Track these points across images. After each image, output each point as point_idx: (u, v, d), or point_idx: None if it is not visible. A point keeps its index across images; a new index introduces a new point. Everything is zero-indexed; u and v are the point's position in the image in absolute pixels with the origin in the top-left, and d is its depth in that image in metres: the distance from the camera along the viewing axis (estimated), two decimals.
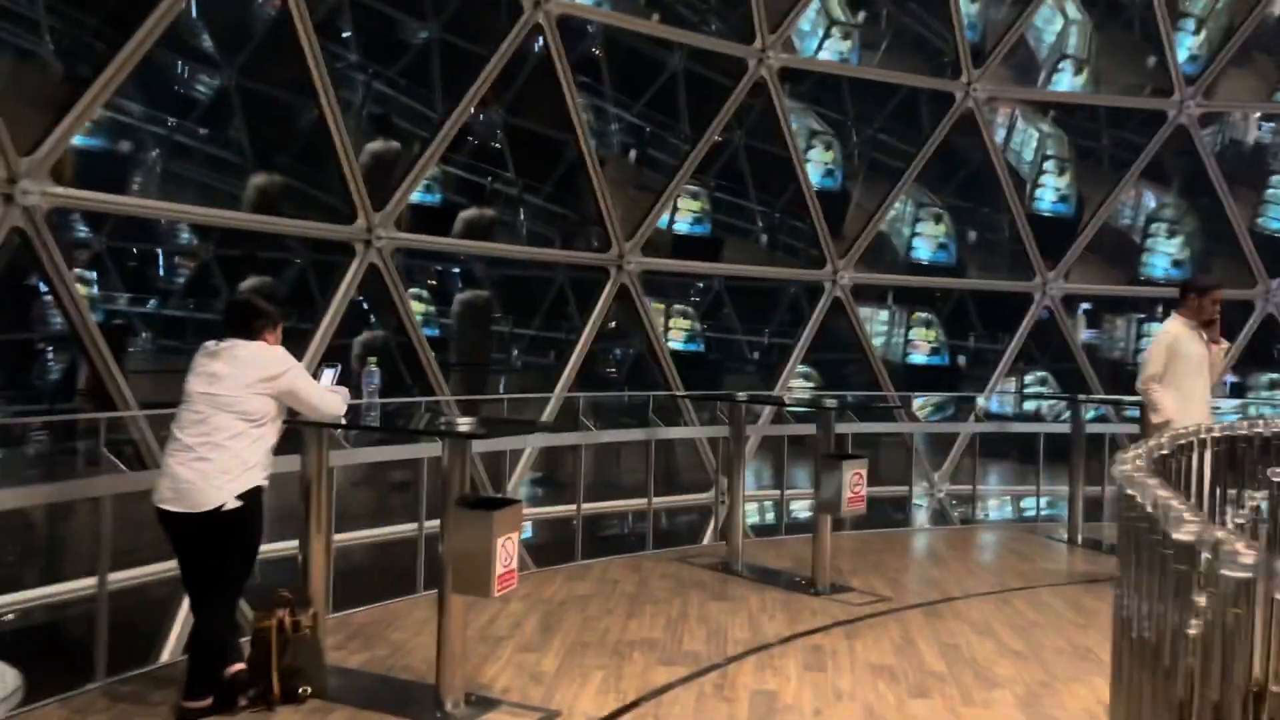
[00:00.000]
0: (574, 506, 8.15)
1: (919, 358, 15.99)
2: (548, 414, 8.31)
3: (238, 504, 4.53)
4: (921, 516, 9.99)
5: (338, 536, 7.19)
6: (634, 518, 9.17)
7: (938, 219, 15.82)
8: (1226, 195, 11.23)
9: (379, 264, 7.40)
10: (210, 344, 4.78)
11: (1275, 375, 14.57)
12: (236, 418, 4.58)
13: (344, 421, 5.07)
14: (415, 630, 6.10)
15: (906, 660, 5.78)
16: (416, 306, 15.42)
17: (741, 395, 7.96)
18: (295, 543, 5.16)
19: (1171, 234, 14.98)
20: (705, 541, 9.01)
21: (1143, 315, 16.45)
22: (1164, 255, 14.82)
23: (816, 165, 15.80)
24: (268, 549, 5.53)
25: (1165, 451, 4.40)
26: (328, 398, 4.85)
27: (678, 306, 16.80)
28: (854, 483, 7.10)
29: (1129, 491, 3.06)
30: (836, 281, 9.79)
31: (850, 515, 7.15)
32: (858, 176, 16.04)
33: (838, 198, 14.32)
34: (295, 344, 7.13)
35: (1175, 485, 4.30)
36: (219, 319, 5.08)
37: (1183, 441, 4.52)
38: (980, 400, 10.51)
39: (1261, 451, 5.48)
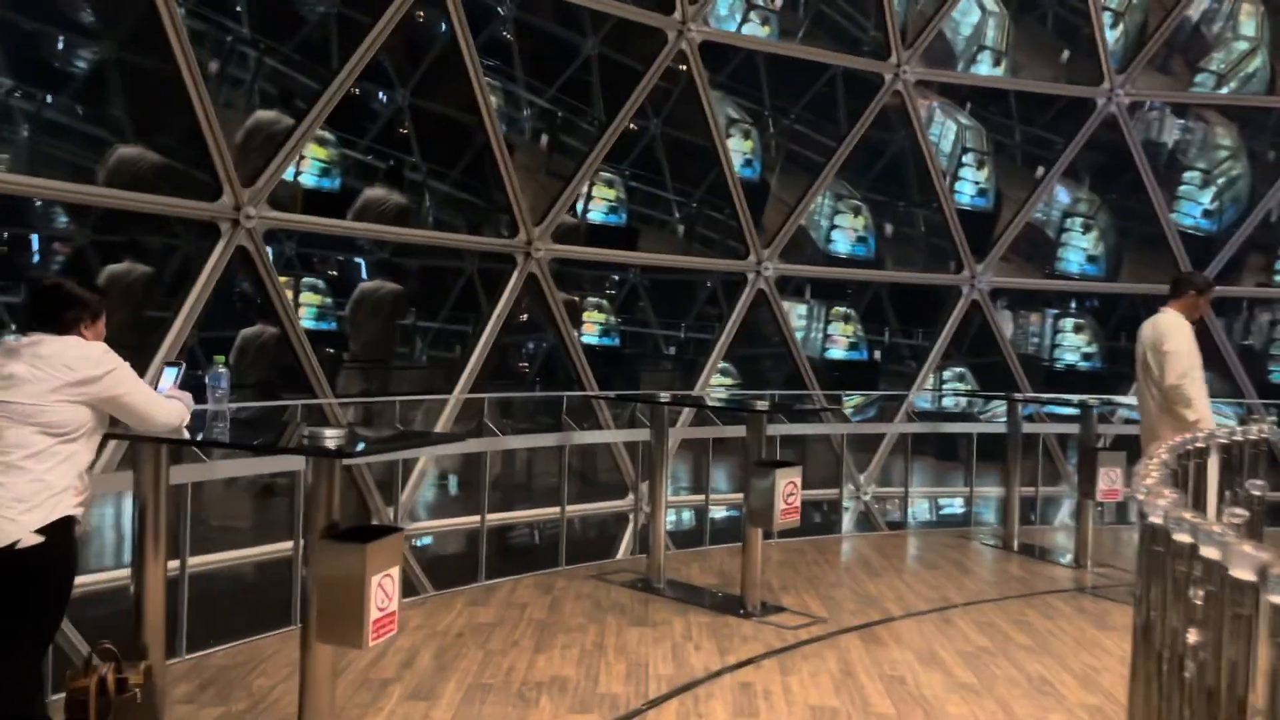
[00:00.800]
0: (480, 518, 7.21)
1: (838, 353, 15.38)
2: (446, 417, 7.34)
3: (37, 540, 3.49)
4: (848, 522, 9.25)
5: (204, 558, 6.16)
6: (547, 525, 8.26)
7: (856, 211, 15.23)
8: (1155, 188, 10.75)
9: (249, 247, 6.34)
10: (9, 339, 3.73)
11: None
12: (37, 431, 3.53)
13: (186, 435, 4.07)
14: (284, 674, 5.10)
15: (849, 699, 4.98)
16: (311, 298, 14.26)
17: (664, 396, 7.11)
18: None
19: (1086, 229, 14.61)
20: (622, 554, 8.13)
21: (1056, 311, 16.12)
22: (1079, 250, 14.44)
23: (735, 155, 15.06)
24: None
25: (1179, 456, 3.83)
26: (163, 406, 3.83)
27: (592, 299, 15.92)
28: (788, 493, 6.32)
29: (1164, 524, 2.72)
30: (761, 273, 9.02)
31: (784, 529, 6.36)
32: (775, 167, 15.38)
33: (756, 188, 13.60)
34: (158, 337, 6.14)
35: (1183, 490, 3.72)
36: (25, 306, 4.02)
37: (1199, 445, 3.94)
38: (912, 398, 9.83)
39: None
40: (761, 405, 6.46)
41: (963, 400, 14.80)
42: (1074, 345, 15.30)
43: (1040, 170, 16.58)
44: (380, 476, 7.27)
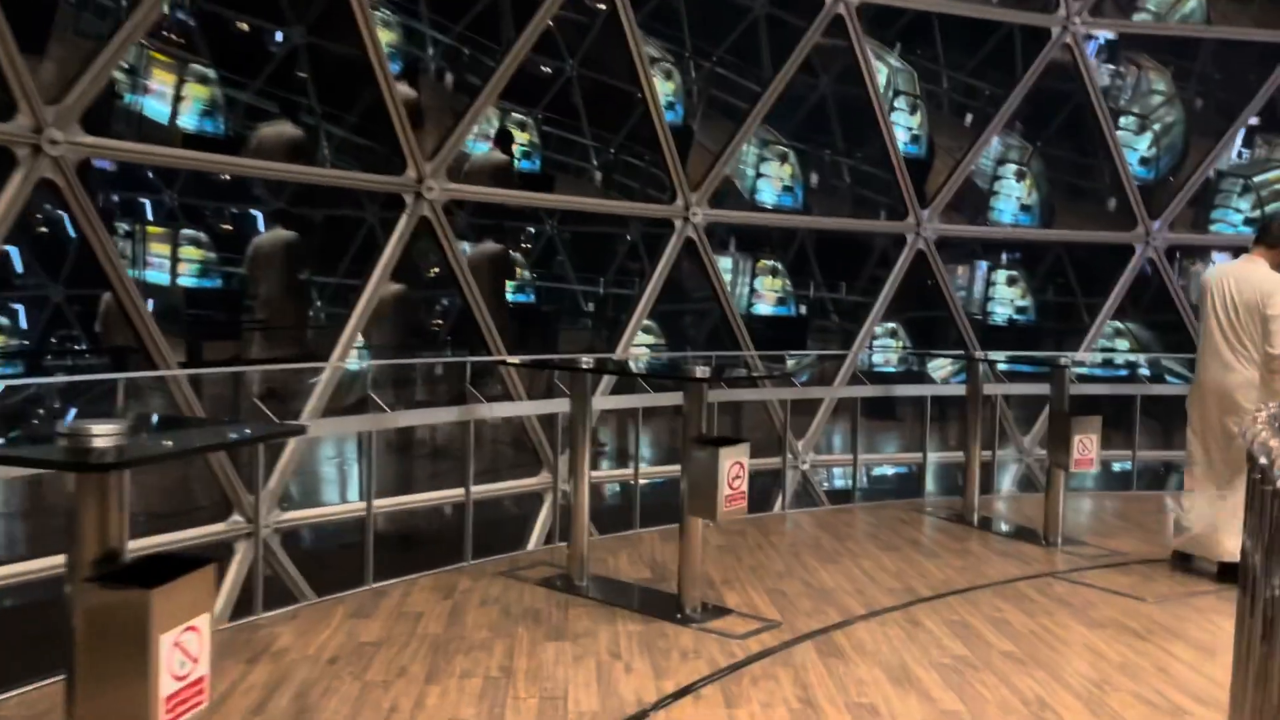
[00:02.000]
0: (365, 506, 5.92)
1: (765, 308, 14.33)
2: (321, 390, 6.00)
3: None
4: (789, 495, 8.17)
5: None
6: (450, 511, 7.00)
7: (783, 159, 14.10)
8: (1110, 129, 9.79)
9: (61, 182, 4.89)
10: None
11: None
12: None
13: None
14: None
15: None
16: (192, 252, 12.63)
17: (586, 361, 5.89)
18: None
19: (1020, 177, 13.71)
20: (536, 543, 6.92)
21: (989, 263, 15.28)
22: (1012, 200, 13.54)
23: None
24: None
25: None
26: None
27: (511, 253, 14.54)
28: (734, 475, 5.18)
29: None
30: (689, 219, 7.83)
31: (729, 518, 5.23)
32: (696, 113, 14.18)
33: (679, 134, 12.40)
34: None
35: None
36: None
37: None
38: (855, 358, 8.76)
39: None
40: (701, 371, 5.29)
41: (895, 358, 13.88)
42: (1008, 299, 14.47)
43: (969, 117, 15.68)
44: (247, 456, 5.93)
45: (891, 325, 13.68)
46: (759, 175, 13.76)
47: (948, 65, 16.37)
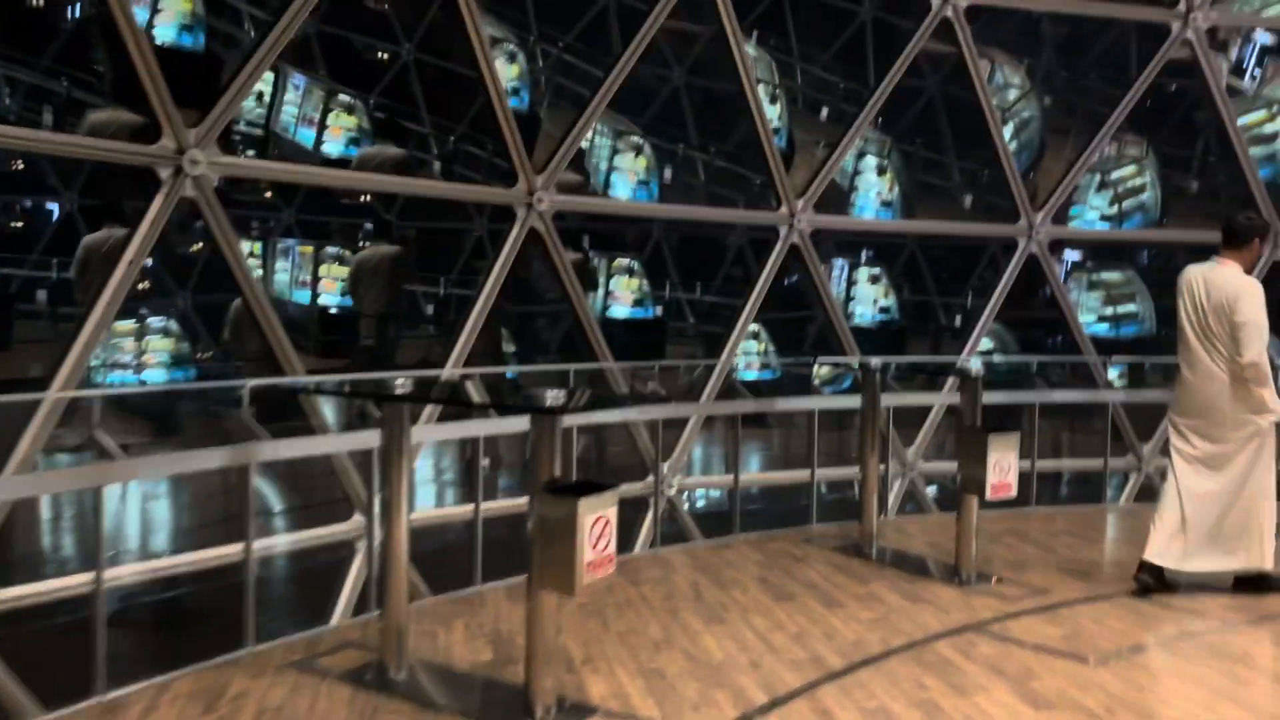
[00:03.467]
0: (96, 578, 4.24)
1: (621, 310, 13.00)
2: (37, 424, 4.29)
3: None
4: (650, 529, 6.81)
5: None
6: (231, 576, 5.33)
7: (637, 151, 12.80)
8: (995, 120, 8.85)
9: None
10: None
11: None
12: None
13: None
14: None
15: None
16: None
17: (402, 382, 4.38)
18: None
19: (880, 172, 12.83)
20: (345, 615, 5.33)
21: (848, 260, 14.42)
22: (871, 195, 12.65)
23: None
24: None
25: None
26: None
27: (331, 249, 12.76)
28: (599, 534, 3.79)
29: None
30: (534, 206, 6.39)
31: (591, 587, 3.85)
32: (544, 101, 12.77)
33: (525, 121, 10.97)
34: None
35: None
36: None
37: None
38: (724, 367, 7.49)
39: None
40: (553, 397, 3.87)
41: (756, 363, 12.81)
42: (871, 298, 13.58)
43: (824, 111, 14.75)
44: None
45: (753, 327, 12.57)
46: (611, 169, 12.45)
47: (802, 58, 15.47)
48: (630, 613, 5.18)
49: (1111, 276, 12.49)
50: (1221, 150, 10.68)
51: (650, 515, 6.50)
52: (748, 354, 12.41)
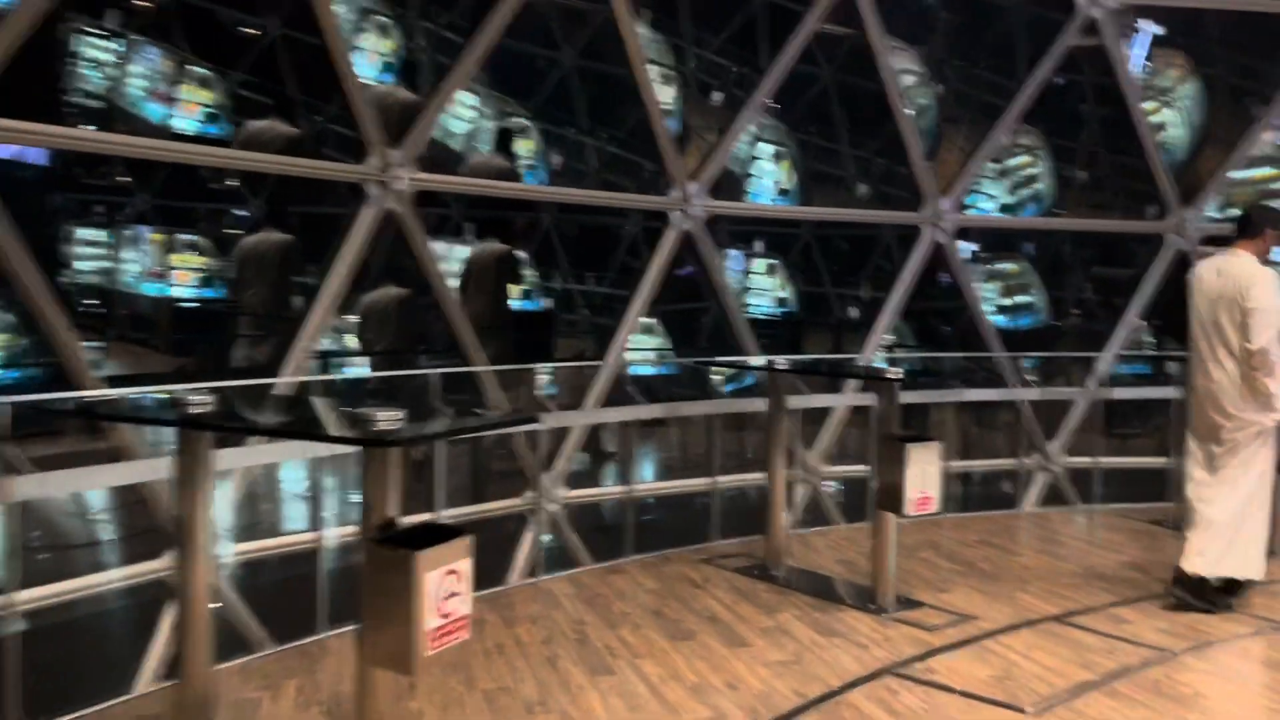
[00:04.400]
0: None
1: (513, 303, 12.04)
2: None
3: None
4: (530, 553, 5.91)
5: None
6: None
7: (523, 134, 11.91)
8: (900, 103, 8.19)
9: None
10: None
11: None
12: None
13: None
14: None
15: None
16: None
17: (201, 400, 3.41)
18: None
19: (778, 159, 12.19)
20: (147, 683, 4.30)
21: (743, 251, 13.75)
22: (768, 183, 12.00)
23: (371, 56, 11.29)
24: None
25: None
26: None
27: (185, 237, 11.46)
28: (443, 596, 2.92)
29: None
30: (388, 185, 5.40)
31: (437, 652, 2.98)
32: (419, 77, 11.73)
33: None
34: None
35: None
36: None
37: None
38: (614, 364, 6.60)
39: None
40: (386, 421, 2.96)
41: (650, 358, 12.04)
42: (767, 290, 12.93)
43: (718, 96, 14.06)
44: None
45: (647, 320, 11.79)
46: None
47: (696, 42, 14.75)
48: (501, 663, 4.31)
49: (1008, 267, 12.12)
50: (1121, 140, 10.35)
51: (529, 538, 5.62)
52: (641, 350, 11.62)
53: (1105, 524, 6.80)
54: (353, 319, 10.04)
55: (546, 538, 5.93)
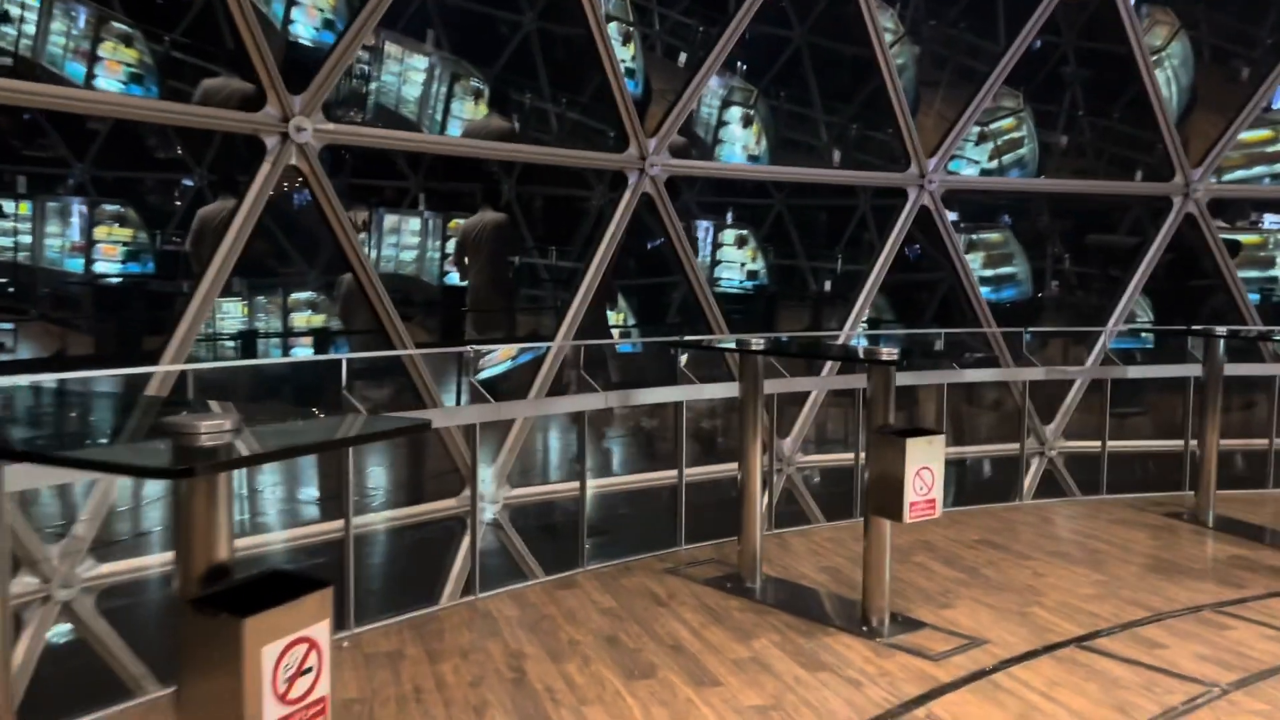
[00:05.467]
0: None
1: (459, 278, 11.10)
2: None
3: None
4: (461, 565, 5.02)
5: None
6: None
7: (478, 97, 10.95)
8: (889, 62, 7.31)
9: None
10: None
11: None
12: None
13: None
14: None
15: None
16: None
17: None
18: None
19: (746, 122, 11.31)
20: None
21: (713, 222, 12.87)
22: (737, 147, 11.11)
23: (310, 12, 10.29)
24: None
25: None
26: None
27: (110, 207, 10.42)
28: (290, 676, 2.06)
29: None
30: (290, 138, 4.46)
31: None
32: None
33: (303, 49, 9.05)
34: None
35: None
36: None
37: None
38: (559, 347, 5.72)
39: None
40: (207, 435, 2.08)
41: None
42: (738, 262, 12.05)
43: (684, 56, 13.16)
44: None
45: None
46: (447, 114, 10.59)
47: (660, 1, 13.79)
48: (417, 714, 3.45)
49: (991, 237, 11.32)
50: (1103, 103, 9.60)
51: (466, 547, 4.73)
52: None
53: (1118, 518, 6.01)
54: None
55: (487, 539, 5.07)
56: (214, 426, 2.08)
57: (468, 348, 4.76)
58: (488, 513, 5.21)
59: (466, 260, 8.25)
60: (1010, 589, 4.72)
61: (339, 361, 4.26)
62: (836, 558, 5.17)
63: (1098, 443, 6.70)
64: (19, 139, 11.16)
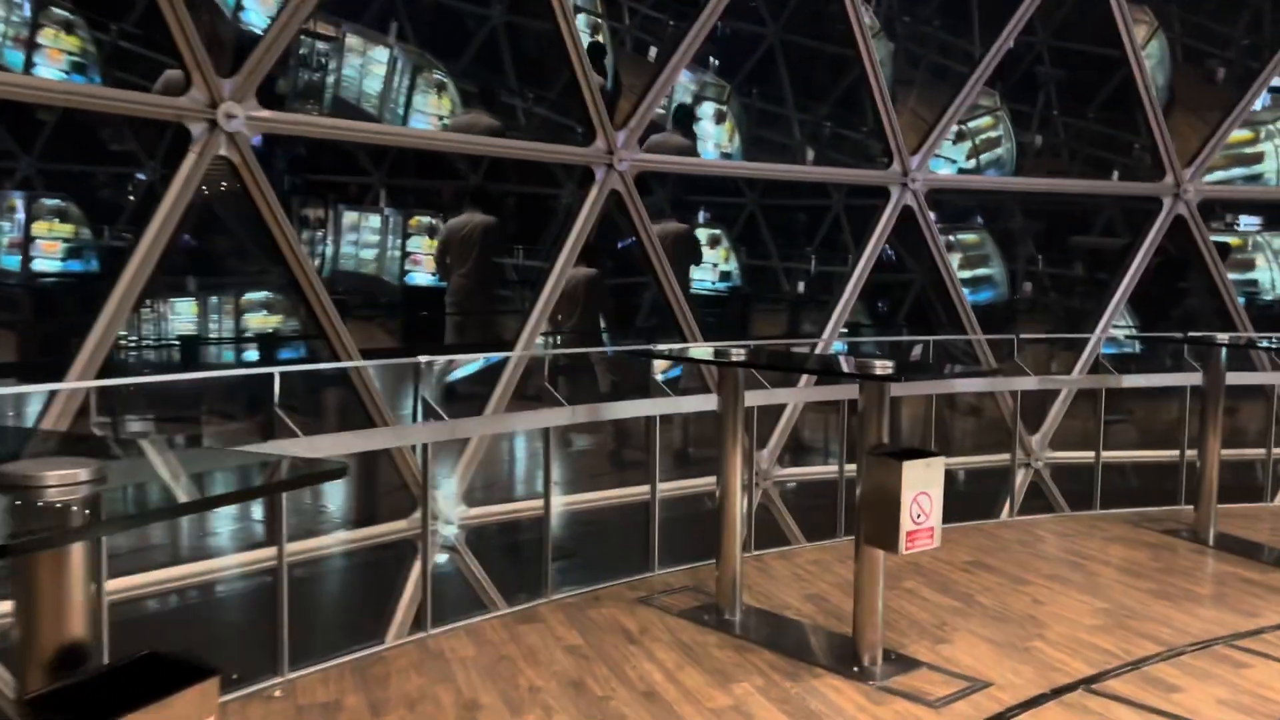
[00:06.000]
0: None
1: (421, 277, 10.61)
2: None
3: None
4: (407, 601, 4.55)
5: None
6: None
7: (440, 90, 10.47)
8: (873, 55, 6.91)
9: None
10: None
11: None
12: None
13: None
14: None
15: None
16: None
17: None
18: None
19: (719, 119, 10.90)
20: None
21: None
22: (709, 145, 10.70)
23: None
24: None
25: None
26: None
27: (50, 202, 9.85)
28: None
29: None
30: (219, 126, 3.94)
31: None
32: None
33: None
34: None
35: None
36: None
37: None
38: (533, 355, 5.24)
39: None
40: (56, 486, 1.62)
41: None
42: (710, 263, 11.64)
43: (653, 51, 12.72)
44: None
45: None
46: (408, 107, 10.10)
47: None
48: None
49: (968, 238, 11.00)
50: (1076, 103, 9.34)
51: (417, 575, 4.25)
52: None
53: (1114, 536, 5.64)
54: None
55: (441, 561, 4.62)
56: (64, 479, 1.61)
57: (420, 358, 4.26)
58: (445, 532, 4.74)
59: (449, 260, 7.93)
60: (1009, 619, 4.33)
61: (270, 375, 3.76)
62: (821, 583, 4.76)
63: (1087, 453, 6.35)
64: None
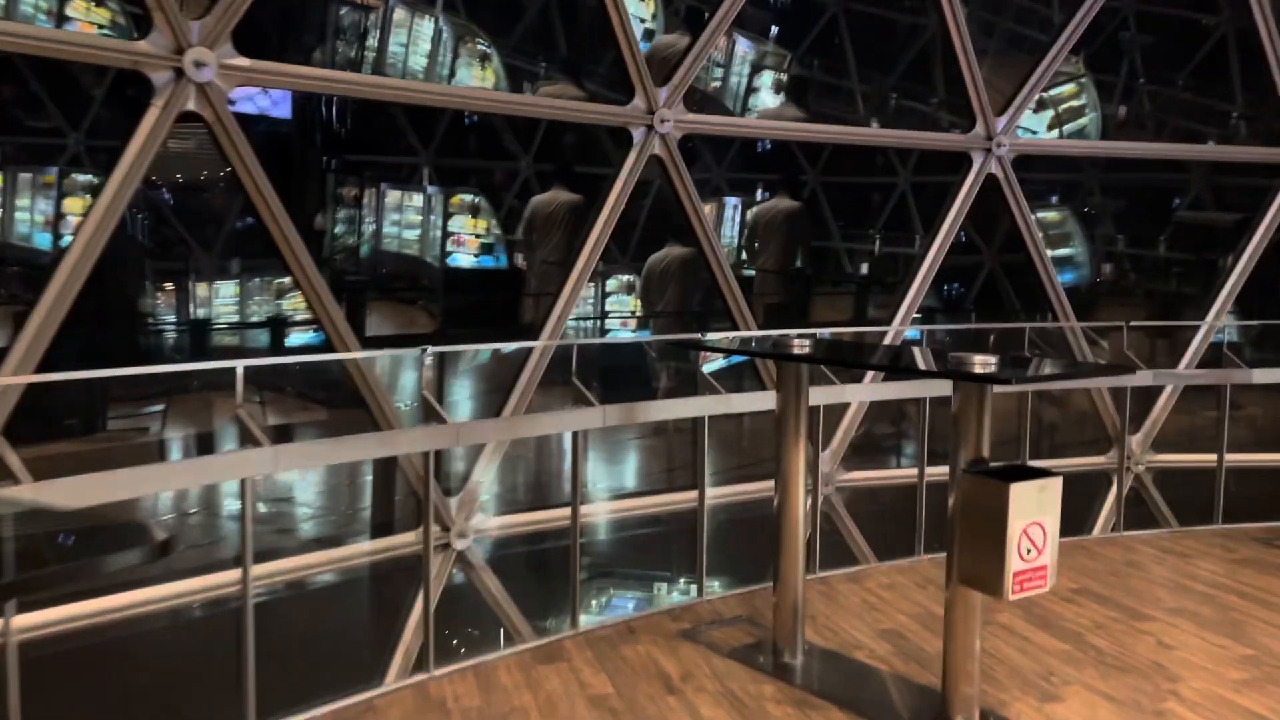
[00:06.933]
0: None
1: (464, 259, 9.95)
2: None
3: None
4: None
5: None
6: None
7: (484, 61, 9.80)
8: (960, 21, 6.06)
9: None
10: None
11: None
12: None
13: None
14: None
15: None
16: None
17: None
18: None
19: (778, 88, 10.06)
20: None
21: (740, 199, 11.63)
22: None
23: None
24: None
25: None
26: None
27: (82, 178, 9.40)
28: None
29: None
30: (187, 75, 3.30)
31: None
32: None
33: None
34: None
35: None
36: None
37: None
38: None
39: None
40: None
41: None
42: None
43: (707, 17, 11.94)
44: None
45: (627, 277, 9.68)
46: (451, 79, 9.47)
47: None
48: None
49: (1049, 215, 10.03)
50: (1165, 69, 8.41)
51: (419, 610, 3.58)
52: (620, 312, 9.60)
53: (1244, 558, 4.73)
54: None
55: (454, 584, 3.94)
56: None
57: (421, 348, 3.57)
58: (460, 544, 4.07)
59: (533, 239, 7.29)
60: (1133, 669, 3.51)
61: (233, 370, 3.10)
62: (898, 614, 3.98)
63: (1201, 456, 5.46)
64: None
